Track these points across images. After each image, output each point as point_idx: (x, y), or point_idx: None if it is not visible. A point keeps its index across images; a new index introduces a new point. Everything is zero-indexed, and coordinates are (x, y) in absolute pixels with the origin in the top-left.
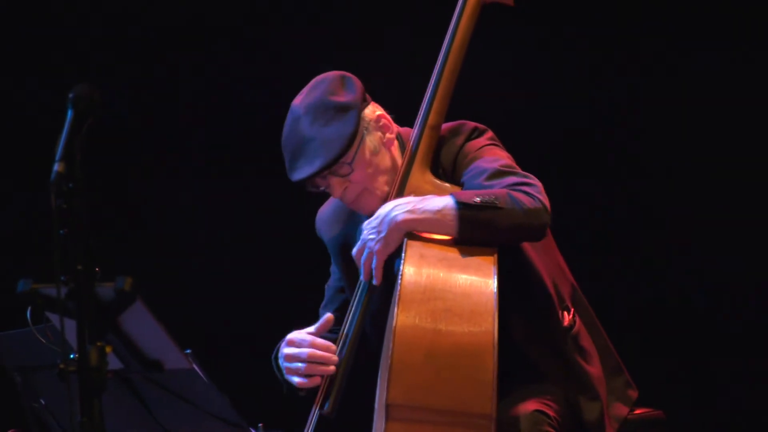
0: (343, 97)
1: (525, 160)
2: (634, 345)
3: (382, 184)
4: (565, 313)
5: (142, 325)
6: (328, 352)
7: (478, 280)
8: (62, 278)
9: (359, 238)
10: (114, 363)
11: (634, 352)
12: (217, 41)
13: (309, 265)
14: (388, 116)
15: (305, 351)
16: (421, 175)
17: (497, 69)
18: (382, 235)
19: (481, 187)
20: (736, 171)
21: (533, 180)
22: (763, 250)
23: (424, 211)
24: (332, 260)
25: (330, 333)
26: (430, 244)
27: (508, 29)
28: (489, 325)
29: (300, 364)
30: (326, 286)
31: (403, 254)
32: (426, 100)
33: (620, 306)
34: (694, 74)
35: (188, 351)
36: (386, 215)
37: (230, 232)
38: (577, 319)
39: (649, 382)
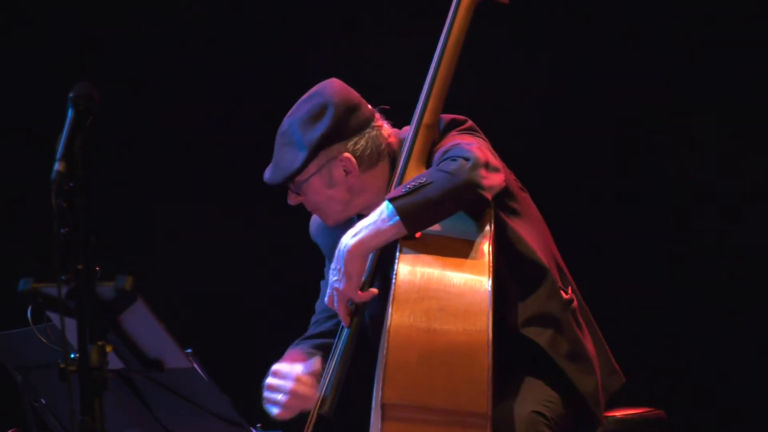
0: (308, 133)
1: (521, 156)
2: (634, 343)
3: (335, 211)
4: (562, 292)
5: (142, 324)
6: (312, 389)
7: (473, 279)
8: (63, 277)
9: (329, 303)
10: (115, 362)
11: (634, 350)
12: (215, 40)
13: (309, 266)
14: (355, 161)
15: (289, 385)
16: (416, 172)
17: (493, 67)
18: (343, 271)
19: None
20: (734, 170)
21: (464, 147)
22: (763, 247)
23: (366, 227)
24: (327, 261)
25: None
26: (424, 243)
27: (503, 27)
28: (483, 324)
29: (281, 397)
30: (322, 283)
31: (397, 254)
32: (421, 99)
33: (620, 304)
34: (697, 70)
35: (189, 350)
36: (339, 252)
37: (232, 231)
38: (575, 297)
39: (650, 382)
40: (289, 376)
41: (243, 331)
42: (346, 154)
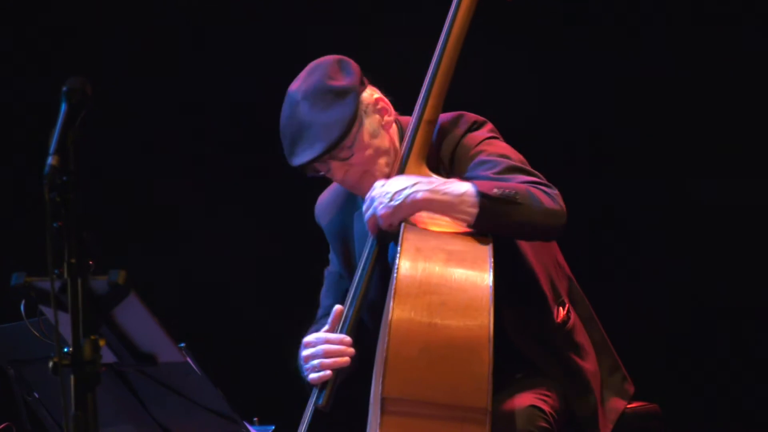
0: (341, 81)
1: (524, 155)
2: (630, 339)
3: (382, 165)
4: (560, 308)
5: (135, 318)
6: (342, 344)
7: (474, 274)
8: (56, 271)
9: (365, 211)
10: (108, 356)
11: (630, 346)
12: (215, 31)
13: (304, 258)
14: (387, 99)
15: (321, 348)
16: (417, 169)
17: (494, 64)
18: (394, 203)
19: (492, 179)
20: (734, 171)
21: (549, 182)
22: (762, 245)
23: (445, 194)
24: (330, 247)
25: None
26: (427, 237)
27: (504, 24)
28: (484, 320)
29: (316, 362)
30: (326, 272)
31: (398, 246)
32: (422, 95)
33: (618, 301)
34: (697, 71)
35: (182, 344)
36: (404, 188)
37: (224, 224)
38: (573, 314)
39: (645, 376)
40: (319, 341)
41: (236, 326)
42: (378, 95)
